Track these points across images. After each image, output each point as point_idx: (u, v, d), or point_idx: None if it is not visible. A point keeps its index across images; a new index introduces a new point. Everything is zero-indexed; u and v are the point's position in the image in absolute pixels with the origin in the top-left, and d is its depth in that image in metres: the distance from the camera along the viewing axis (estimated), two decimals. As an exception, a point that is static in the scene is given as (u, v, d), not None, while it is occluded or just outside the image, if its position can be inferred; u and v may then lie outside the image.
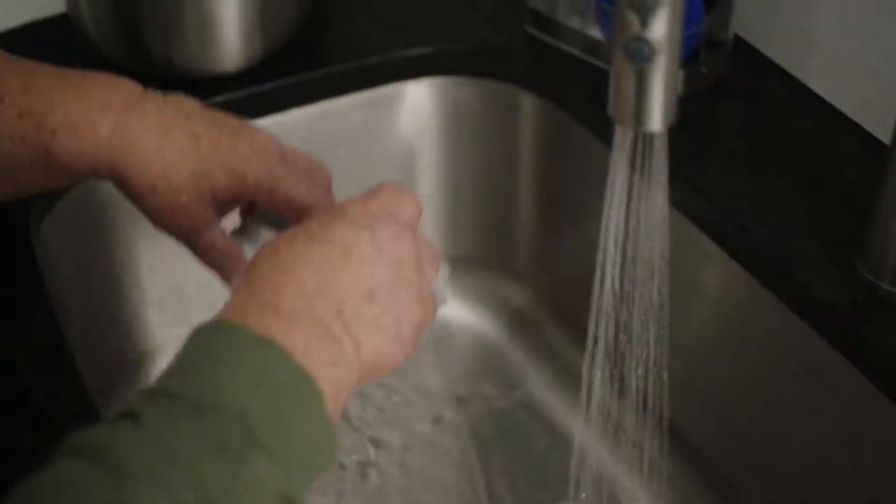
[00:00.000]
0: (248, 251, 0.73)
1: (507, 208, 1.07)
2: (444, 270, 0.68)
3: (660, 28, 0.59)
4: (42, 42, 1.00)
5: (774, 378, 0.86)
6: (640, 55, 0.60)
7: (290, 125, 0.99)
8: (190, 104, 0.73)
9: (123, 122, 0.70)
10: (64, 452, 0.52)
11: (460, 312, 1.09)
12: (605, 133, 0.95)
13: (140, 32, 0.92)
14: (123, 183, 0.71)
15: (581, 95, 0.97)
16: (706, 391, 0.92)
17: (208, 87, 0.93)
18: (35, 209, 0.89)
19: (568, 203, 1.03)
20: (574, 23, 0.99)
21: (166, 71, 0.93)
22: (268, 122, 0.97)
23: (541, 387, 1.04)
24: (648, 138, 0.66)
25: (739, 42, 0.98)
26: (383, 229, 0.63)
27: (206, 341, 0.57)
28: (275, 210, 0.72)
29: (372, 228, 0.63)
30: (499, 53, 1.02)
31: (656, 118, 0.63)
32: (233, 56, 0.94)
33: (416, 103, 1.02)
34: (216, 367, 0.56)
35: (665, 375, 0.81)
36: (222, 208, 0.73)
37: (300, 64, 0.99)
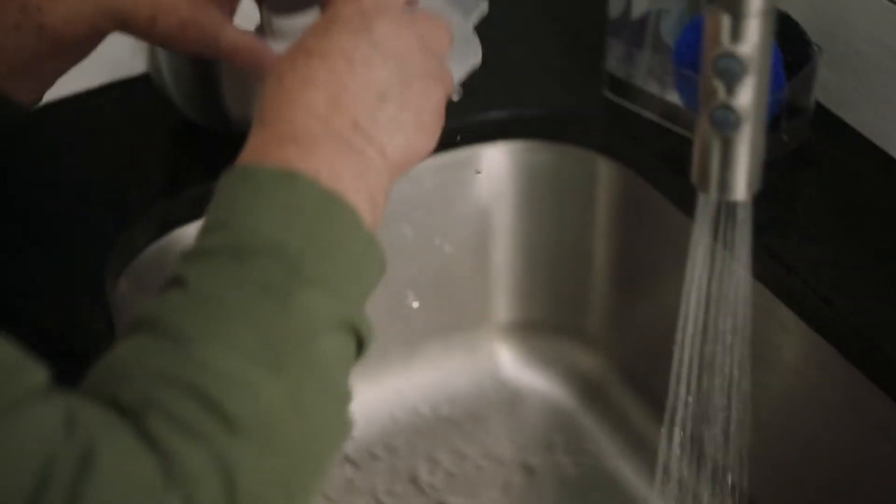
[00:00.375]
0: (273, 45, 0.74)
1: (581, 273, 1.06)
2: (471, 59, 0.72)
3: (746, 95, 0.59)
4: (123, 102, 1.01)
5: (856, 451, 0.84)
6: (726, 123, 0.59)
7: (365, 187, 0.99)
8: None
9: None
10: (125, 332, 0.53)
11: (531, 378, 1.08)
12: (682, 200, 0.95)
13: (218, 93, 0.93)
14: (125, 27, 0.73)
15: (659, 161, 0.96)
16: (785, 463, 0.90)
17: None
18: (111, 267, 0.89)
19: (643, 269, 1.02)
20: (652, 88, 0.99)
21: (244, 131, 0.93)
22: (343, 184, 0.97)
23: (613, 456, 1.03)
24: (731, 207, 0.65)
25: (820, 109, 0.97)
26: (379, 26, 0.62)
27: (233, 190, 0.58)
28: None
29: (368, 29, 0.62)
30: (576, 118, 1.01)
31: (741, 187, 0.62)
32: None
33: (493, 167, 1.02)
34: (248, 214, 0.56)
35: (744, 446, 0.79)
36: (226, 6, 0.74)
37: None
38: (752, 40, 0.57)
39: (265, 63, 0.73)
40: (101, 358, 0.53)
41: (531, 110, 1.01)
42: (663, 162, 0.96)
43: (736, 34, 0.57)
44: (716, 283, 0.69)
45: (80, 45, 0.75)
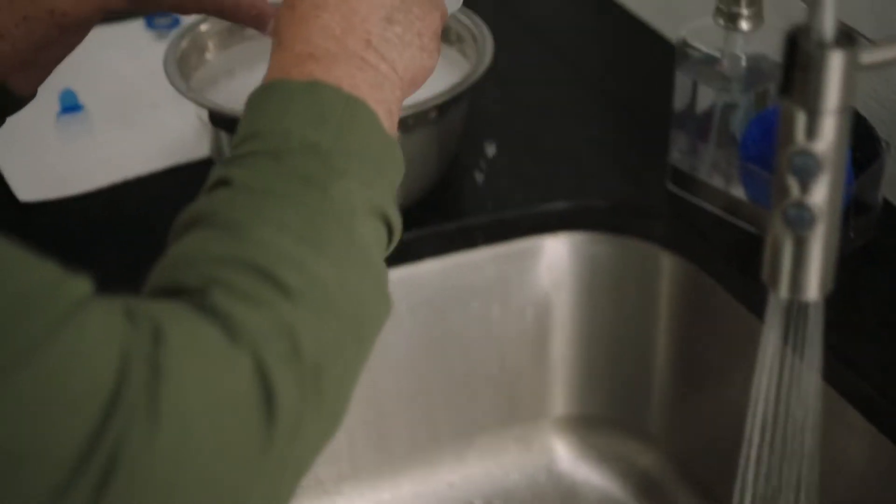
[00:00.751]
0: None
1: (640, 368, 1.04)
2: None
3: (821, 193, 0.57)
4: (186, 185, 1.01)
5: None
6: (800, 221, 0.58)
7: (424, 275, 0.98)
8: None
9: None
10: (177, 231, 0.58)
11: (588, 473, 1.06)
12: (746, 296, 0.93)
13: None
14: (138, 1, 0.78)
15: (723, 256, 0.95)
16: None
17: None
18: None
19: (705, 366, 1.00)
20: (716, 181, 0.97)
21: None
22: (402, 273, 0.97)
23: (671, 556, 1.00)
24: (802, 306, 0.63)
25: (888, 206, 0.96)
26: None
27: (262, 103, 0.63)
28: None
29: None
30: (638, 210, 1.00)
31: (814, 286, 0.60)
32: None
33: (553, 258, 1.01)
34: (279, 120, 0.61)
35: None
36: None
37: (437, 215, 0.98)
38: (827, 138, 0.56)
39: (266, 18, 0.78)
40: (159, 260, 0.57)
41: (594, 202, 1.00)
42: (727, 257, 0.95)
43: (811, 131, 0.56)
44: (784, 384, 0.67)
45: (84, 28, 0.79)
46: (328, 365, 0.56)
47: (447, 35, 1.01)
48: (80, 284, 0.50)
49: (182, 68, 0.95)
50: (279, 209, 0.58)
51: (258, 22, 0.79)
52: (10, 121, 0.85)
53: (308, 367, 0.55)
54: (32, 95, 0.81)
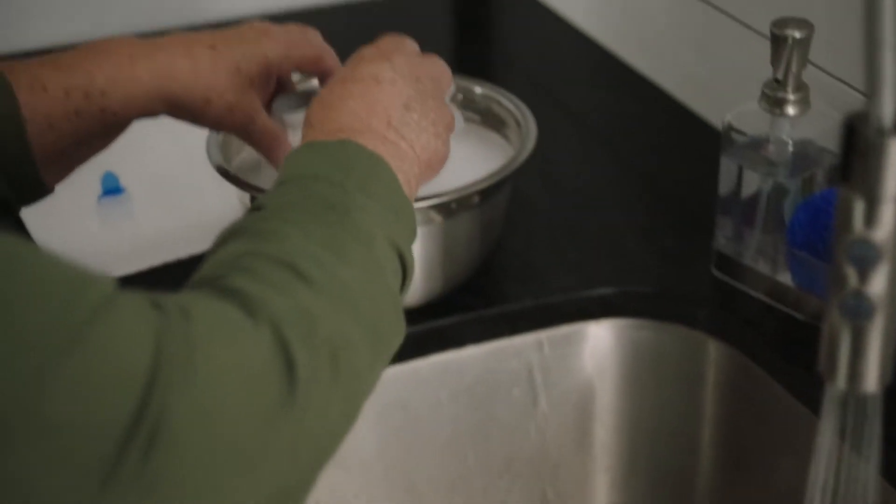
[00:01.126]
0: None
1: (685, 457, 1.02)
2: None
3: (879, 283, 0.56)
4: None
5: None
6: (858, 311, 0.56)
7: (466, 361, 0.97)
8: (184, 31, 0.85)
9: (153, 61, 0.81)
10: (212, 248, 0.64)
11: (632, 563, 1.04)
12: (793, 385, 0.91)
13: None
14: (179, 110, 0.83)
15: (769, 344, 0.93)
16: None
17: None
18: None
19: (751, 455, 0.98)
20: (762, 267, 0.96)
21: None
22: (443, 359, 0.95)
23: None
24: (860, 398, 0.62)
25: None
26: (397, 58, 0.79)
27: (293, 158, 0.71)
28: (295, 73, 0.88)
29: (389, 59, 0.78)
30: (683, 297, 0.98)
31: (872, 378, 0.58)
32: (414, 292, 0.93)
33: (596, 345, 0.99)
34: (308, 166, 0.69)
35: None
36: (261, 93, 0.86)
37: (479, 300, 0.97)
38: (887, 226, 0.54)
39: (284, 149, 0.86)
40: (202, 266, 0.63)
41: (637, 288, 0.99)
42: (774, 345, 0.93)
43: (870, 219, 0.54)
44: (840, 478, 0.65)
45: (123, 129, 0.84)
46: (345, 355, 0.60)
47: (490, 119, 1.01)
48: (106, 280, 0.54)
49: (224, 152, 0.95)
50: (304, 222, 0.64)
51: (274, 154, 0.87)
52: (52, 202, 0.85)
53: (324, 349, 0.59)
54: (51, 190, 0.83)
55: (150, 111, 0.82)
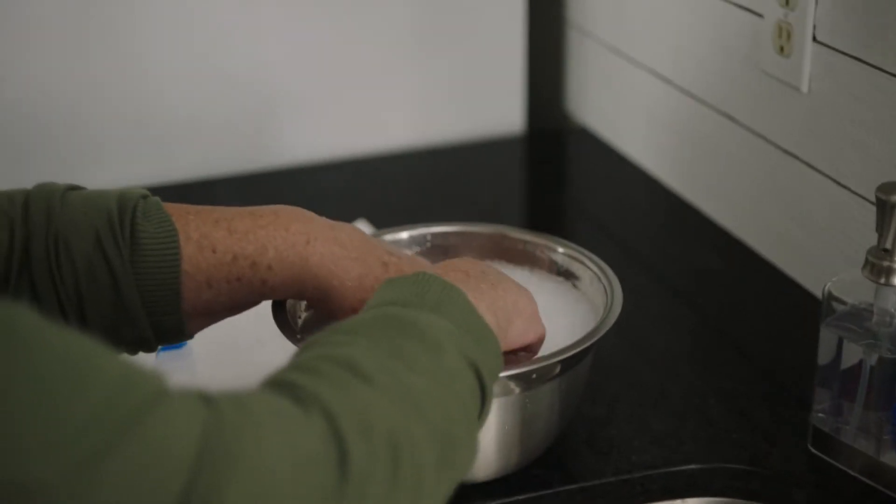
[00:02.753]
0: None
1: None
2: None
3: None
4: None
5: None
6: None
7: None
8: (363, 231, 0.85)
9: (329, 251, 0.81)
10: (295, 355, 0.64)
11: None
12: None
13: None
14: (327, 303, 0.82)
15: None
16: None
17: (457, 494, 0.85)
18: None
19: None
20: (864, 446, 0.89)
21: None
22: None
23: None
24: None
25: None
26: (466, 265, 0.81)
27: (378, 289, 0.72)
28: None
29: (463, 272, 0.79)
30: (777, 475, 0.91)
31: None
32: (488, 465, 0.86)
33: (682, 527, 0.92)
34: (382, 296, 0.70)
35: None
36: None
37: (556, 474, 0.91)
38: None
39: None
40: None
41: (727, 464, 0.92)
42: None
43: None
44: None
45: (273, 298, 0.84)
46: (407, 452, 0.59)
47: (574, 280, 0.96)
48: (157, 376, 0.53)
49: (291, 310, 0.90)
50: (372, 333, 0.65)
51: None
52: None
53: (383, 443, 0.58)
54: (191, 337, 0.84)
55: (301, 294, 0.82)
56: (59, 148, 1.37)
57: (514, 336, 0.80)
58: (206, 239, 0.79)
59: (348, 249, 0.82)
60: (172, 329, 0.80)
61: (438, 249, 0.99)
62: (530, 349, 0.83)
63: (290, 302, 0.90)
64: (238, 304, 0.82)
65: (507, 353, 0.79)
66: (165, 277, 0.78)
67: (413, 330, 0.66)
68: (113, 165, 1.39)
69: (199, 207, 0.82)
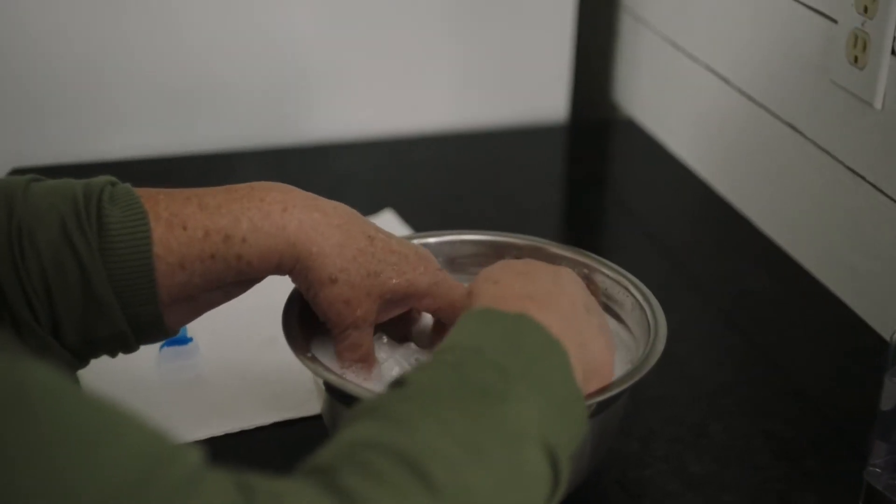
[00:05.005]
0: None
1: None
2: None
3: None
4: (296, 440, 0.88)
5: None
6: None
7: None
8: (351, 208, 0.80)
9: (309, 217, 0.77)
10: (346, 422, 0.58)
11: None
12: None
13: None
14: (305, 274, 0.77)
15: None
16: None
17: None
18: None
19: None
20: (923, 511, 0.81)
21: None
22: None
23: None
24: None
25: None
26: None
27: (465, 322, 0.65)
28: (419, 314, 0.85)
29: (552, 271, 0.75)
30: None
31: None
32: None
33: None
34: (474, 338, 0.63)
35: None
36: (384, 311, 0.80)
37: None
38: None
39: (368, 374, 0.81)
40: (335, 441, 0.57)
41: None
42: None
43: None
44: None
45: (253, 283, 0.79)
46: None
47: (614, 306, 0.88)
48: (193, 453, 0.49)
49: (302, 316, 0.83)
50: (446, 411, 0.58)
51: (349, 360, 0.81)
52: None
53: None
54: (174, 332, 0.79)
55: (281, 266, 0.77)
56: (80, 108, 1.30)
57: (586, 390, 0.73)
58: (176, 217, 0.75)
59: (330, 216, 0.78)
60: (150, 322, 0.76)
61: (466, 259, 0.91)
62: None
63: (303, 303, 0.83)
64: (214, 285, 0.77)
65: None
66: (137, 263, 0.74)
67: (495, 414, 0.59)
68: (133, 131, 1.32)
69: (171, 189, 0.77)
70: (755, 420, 0.93)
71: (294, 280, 0.79)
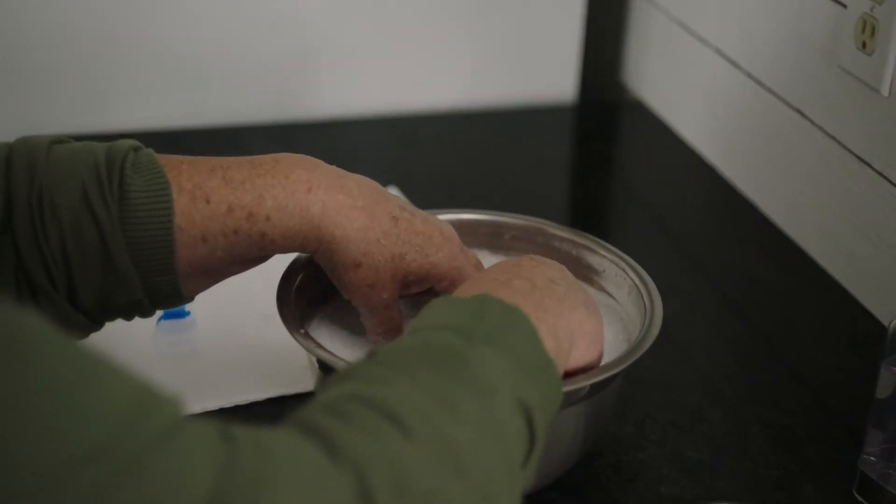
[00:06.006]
0: None
1: None
2: None
3: None
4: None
5: None
6: None
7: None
8: (376, 183, 0.79)
9: (333, 199, 0.75)
10: (329, 383, 0.59)
11: None
12: None
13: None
14: (329, 256, 0.77)
15: None
16: None
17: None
18: None
19: None
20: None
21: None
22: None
23: None
24: None
25: None
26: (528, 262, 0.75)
27: (425, 312, 0.65)
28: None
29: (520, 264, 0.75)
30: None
31: None
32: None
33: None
34: (437, 319, 0.64)
35: None
36: (404, 288, 0.80)
37: (575, 501, 0.83)
38: None
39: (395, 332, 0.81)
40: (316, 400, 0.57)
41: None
42: None
43: None
44: None
45: (268, 257, 0.78)
46: None
47: (610, 293, 0.87)
48: (176, 404, 0.49)
49: (298, 292, 0.83)
50: (416, 370, 0.59)
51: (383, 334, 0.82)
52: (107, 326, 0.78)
53: (417, 502, 0.53)
54: (191, 299, 0.79)
55: (304, 246, 0.77)
56: (88, 81, 1.29)
57: (575, 359, 0.73)
58: (200, 189, 0.74)
59: (354, 198, 0.76)
60: (168, 291, 0.75)
61: (468, 240, 0.91)
62: (586, 370, 0.75)
63: (299, 280, 0.82)
64: (237, 259, 0.76)
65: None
66: (157, 233, 0.73)
67: (463, 370, 0.60)
68: (141, 104, 1.32)
69: (195, 157, 0.76)
70: (752, 407, 0.93)
71: (318, 259, 0.79)
